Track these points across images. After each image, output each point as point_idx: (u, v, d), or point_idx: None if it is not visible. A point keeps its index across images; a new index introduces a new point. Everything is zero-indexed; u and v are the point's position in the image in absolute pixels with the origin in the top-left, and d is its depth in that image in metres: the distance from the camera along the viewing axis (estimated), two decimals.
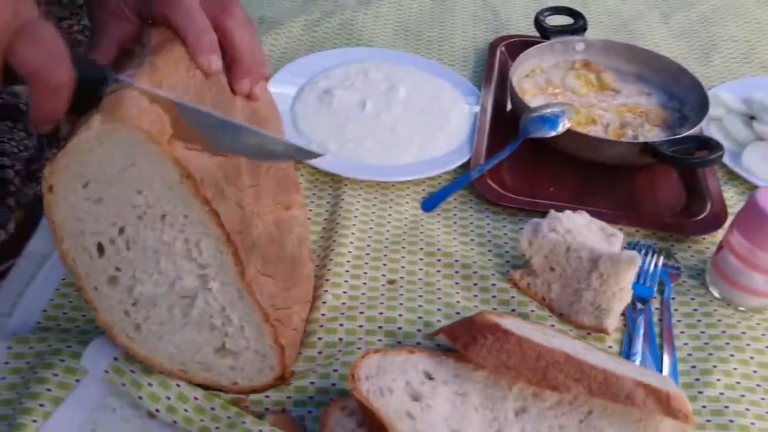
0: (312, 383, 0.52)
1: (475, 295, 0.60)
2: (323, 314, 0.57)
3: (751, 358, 0.56)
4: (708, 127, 0.81)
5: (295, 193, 0.60)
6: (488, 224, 0.68)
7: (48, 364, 0.50)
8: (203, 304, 0.47)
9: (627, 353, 0.57)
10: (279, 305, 0.50)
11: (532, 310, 0.59)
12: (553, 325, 0.58)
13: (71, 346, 0.52)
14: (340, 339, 0.56)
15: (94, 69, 0.43)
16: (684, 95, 0.83)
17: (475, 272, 0.62)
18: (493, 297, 0.60)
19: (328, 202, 0.69)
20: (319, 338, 0.56)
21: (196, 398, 0.50)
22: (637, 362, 0.55)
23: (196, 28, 0.48)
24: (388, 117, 0.79)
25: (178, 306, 0.47)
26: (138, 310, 0.47)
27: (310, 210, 0.68)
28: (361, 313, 0.58)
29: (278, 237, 0.54)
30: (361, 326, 0.57)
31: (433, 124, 0.78)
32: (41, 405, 0.48)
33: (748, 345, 0.57)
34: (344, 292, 0.59)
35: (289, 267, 0.55)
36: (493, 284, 0.61)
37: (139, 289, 0.46)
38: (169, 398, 0.49)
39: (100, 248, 0.45)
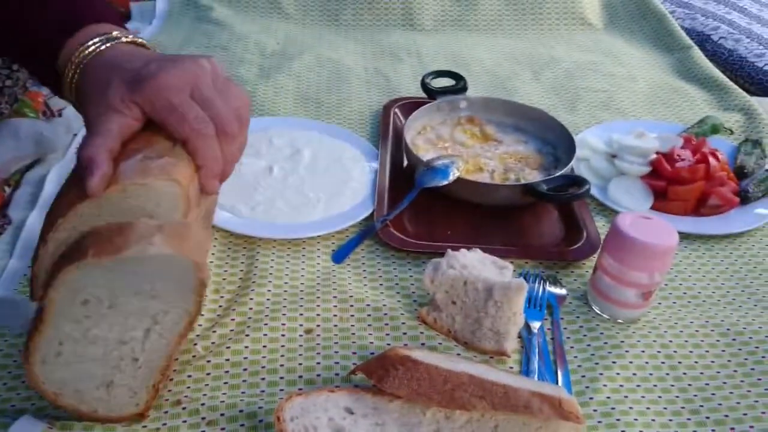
0: None
1: (387, 334, 0.65)
2: (245, 369, 0.60)
3: (630, 362, 0.64)
4: (578, 167, 0.92)
5: None
6: (395, 269, 0.74)
7: None
8: (129, 350, 0.50)
9: (526, 371, 0.63)
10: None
11: (440, 343, 0.65)
12: (459, 354, 0.64)
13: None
14: (263, 391, 0.58)
15: None
16: (556, 140, 0.94)
17: (385, 314, 0.67)
18: (404, 334, 0.65)
19: (242, 263, 0.73)
20: (243, 392, 0.58)
21: None
22: (535, 378, 0.62)
23: (210, 155, 0.50)
24: (295, 179, 0.84)
25: (108, 346, 0.49)
26: (75, 344, 0.49)
27: (225, 271, 0.72)
28: (281, 365, 0.61)
29: None
30: (282, 378, 0.60)
31: (337, 182, 0.85)
32: None
33: (627, 352, 0.65)
34: (264, 346, 0.63)
35: None
36: (403, 323, 0.66)
37: (94, 331, 0.48)
38: None
39: (85, 301, 0.47)
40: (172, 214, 0.49)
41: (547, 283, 0.73)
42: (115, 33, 0.53)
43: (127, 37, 0.54)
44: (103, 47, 0.52)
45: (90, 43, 0.52)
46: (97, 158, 0.46)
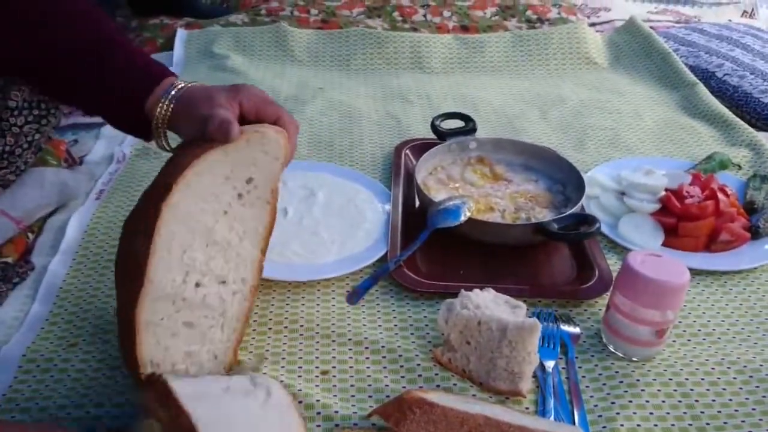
0: None
1: (402, 376, 0.66)
2: None
3: (647, 401, 0.64)
4: (588, 205, 0.93)
5: None
6: (408, 310, 0.75)
7: None
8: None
9: (542, 412, 0.63)
10: None
11: (455, 383, 0.65)
12: (474, 395, 0.64)
13: None
14: None
15: None
16: (565, 179, 0.96)
17: (400, 355, 0.68)
18: (419, 375, 0.66)
19: (258, 305, 0.74)
20: None
21: None
22: (551, 418, 0.62)
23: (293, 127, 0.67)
24: (309, 221, 0.86)
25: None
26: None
27: None
28: (300, 402, 0.62)
29: None
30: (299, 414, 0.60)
31: (351, 223, 0.86)
32: None
33: (642, 390, 0.65)
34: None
35: None
36: (418, 364, 0.67)
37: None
38: None
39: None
40: (275, 162, 0.62)
41: (561, 321, 0.73)
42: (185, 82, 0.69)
43: (194, 82, 0.69)
44: (189, 85, 0.67)
45: (175, 83, 0.67)
46: (230, 118, 0.60)
